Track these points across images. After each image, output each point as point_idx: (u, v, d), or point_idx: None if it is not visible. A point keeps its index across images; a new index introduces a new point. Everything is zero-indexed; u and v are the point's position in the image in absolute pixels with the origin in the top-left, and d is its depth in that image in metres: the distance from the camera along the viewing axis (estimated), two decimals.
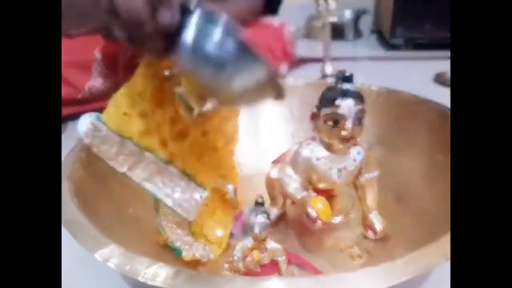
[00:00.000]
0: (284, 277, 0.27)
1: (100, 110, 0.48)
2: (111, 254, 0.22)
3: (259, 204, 0.27)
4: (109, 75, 0.64)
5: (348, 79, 0.28)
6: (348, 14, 1.06)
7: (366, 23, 1.13)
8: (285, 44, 0.66)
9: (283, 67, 0.66)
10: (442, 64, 0.83)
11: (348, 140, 0.29)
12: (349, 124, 0.27)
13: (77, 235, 0.23)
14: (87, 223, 0.24)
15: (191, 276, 0.20)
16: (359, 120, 0.28)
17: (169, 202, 0.30)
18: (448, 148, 0.33)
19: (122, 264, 0.21)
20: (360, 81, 0.89)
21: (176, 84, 0.28)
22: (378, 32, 1.09)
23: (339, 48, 1.04)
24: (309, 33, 1.13)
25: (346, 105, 0.27)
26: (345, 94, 0.27)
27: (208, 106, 0.29)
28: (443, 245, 0.21)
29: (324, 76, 0.61)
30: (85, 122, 0.31)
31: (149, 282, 0.20)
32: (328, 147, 0.30)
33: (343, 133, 0.28)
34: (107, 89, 0.65)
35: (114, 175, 0.31)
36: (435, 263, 0.21)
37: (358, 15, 1.09)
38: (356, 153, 0.30)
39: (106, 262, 0.22)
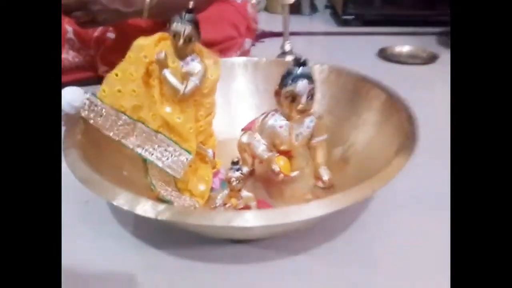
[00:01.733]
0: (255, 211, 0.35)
1: (74, 82, 0.53)
2: (125, 200, 0.28)
3: (235, 163, 0.35)
4: (81, 48, 0.66)
5: (303, 63, 0.36)
6: None
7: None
8: (248, 20, 0.71)
9: (247, 43, 0.72)
10: (386, 39, 0.93)
11: (303, 112, 0.37)
12: (304, 99, 0.35)
13: (95, 189, 0.29)
14: (100, 179, 0.31)
15: (192, 212, 0.27)
16: (311, 96, 0.36)
17: (159, 164, 0.36)
18: (384, 115, 0.42)
19: (134, 206, 0.28)
20: (315, 54, 0.98)
21: (163, 67, 0.34)
22: (332, 7, 1.16)
23: (296, 22, 1.10)
24: (268, 6, 1.17)
25: (301, 85, 0.35)
26: (300, 76, 0.35)
27: (191, 86, 0.35)
28: (367, 185, 0.30)
29: (283, 53, 0.68)
30: (70, 95, 0.37)
31: (159, 217, 0.27)
32: (288, 117, 0.38)
33: (299, 106, 0.36)
34: (79, 62, 0.66)
35: (109, 143, 0.37)
36: (360, 197, 0.30)
37: None
38: (309, 122, 0.39)
39: (122, 206, 0.28)
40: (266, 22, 1.02)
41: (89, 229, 0.38)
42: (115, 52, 0.65)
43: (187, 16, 0.33)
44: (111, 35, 0.67)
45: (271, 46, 0.81)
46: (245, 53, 0.72)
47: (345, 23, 1.03)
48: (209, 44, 0.66)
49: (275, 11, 1.13)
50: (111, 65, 0.70)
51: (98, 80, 0.67)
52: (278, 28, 0.91)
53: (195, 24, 0.33)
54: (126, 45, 0.75)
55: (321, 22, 1.12)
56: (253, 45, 0.81)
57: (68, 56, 0.65)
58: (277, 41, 0.77)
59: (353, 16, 1.01)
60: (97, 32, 0.66)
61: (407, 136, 0.35)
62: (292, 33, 0.95)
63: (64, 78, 0.65)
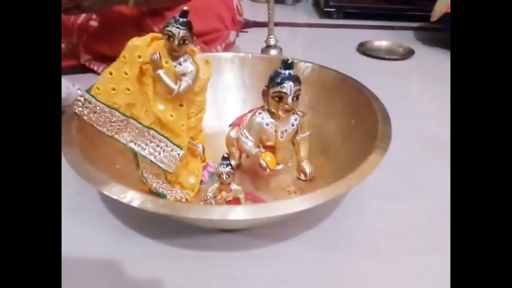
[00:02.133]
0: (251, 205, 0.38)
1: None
2: (122, 194, 0.30)
3: (225, 158, 0.37)
4: (63, 36, 0.65)
5: (290, 66, 0.38)
6: None
7: None
8: (233, 12, 0.72)
9: (232, 35, 0.73)
10: (366, 33, 0.96)
11: (289, 111, 0.39)
12: (289, 100, 0.38)
13: (96, 184, 0.31)
14: (98, 173, 0.32)
15: (183, 205, 0.30)
16: (297, 97, 0.39)
17: (152, 158, 0.38)
18: (361, 114, 0.46)
19: (132, 200, 0.30)
20: (297, 46, 1.00)
21: (157, 67, 0.36)
22: None
23: (280, 12, 1.11)
24: None
25: (288, 86, 0.37)
26: (287, 77, 0.37)
27: (184, 85, 0.37)
28: (343, 183, 0.33)
29: (268, 46, 0.69)
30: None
31: (160, 212, 0.29)
32: (274, 115, 0.40)
33: (285, 106, 0.38)
34: (62, 50, 0.66)
35: (103, 137, 0.38)
36: (340, 192, 0.33)
37: None
38: (293, 120, 0.42)
39: (122, 199, 0.30)
40: (250, 10, 1.02)
41: (81, 220, 0.39)
42: (98, 41, 0.66)
43: (182, 19, 0.34)
44: (94, 23, 0.66)
45: (255, 37, 0.82)
46: (230, 45, 0.73)
47: (327, 15, 1.05)
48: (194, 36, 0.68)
49: (259, 0, 1.14)
50: (94, 54, 0.70)
51: (81, 69, 0.68)
52: (261, 17, 0.92)
53: (189, 27, 0.35)
54: (110, 33, 0.75)
55: (304, 12, 1.13)
56: (237, 36, 0.82)
57: None
58: (261, 31, 0.78)
59: (334, 9, 1.03)
60: (79, 19, 0.65)
61: (382, 134, 0.38)
62: (275, 24, 0.97)
63: None
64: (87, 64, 0.68)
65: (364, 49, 0.85)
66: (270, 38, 0.69)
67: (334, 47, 0.89)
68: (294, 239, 0.39)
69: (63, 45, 0.65)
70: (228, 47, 0.73)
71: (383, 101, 0.45)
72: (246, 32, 0.95)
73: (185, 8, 0.34)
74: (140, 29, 0.63)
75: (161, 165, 0.38)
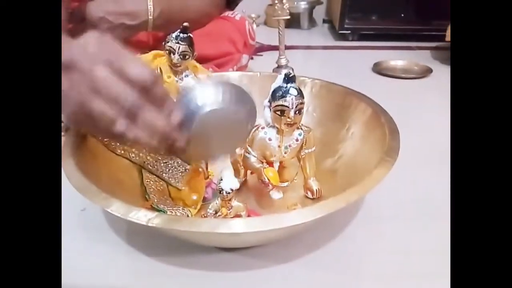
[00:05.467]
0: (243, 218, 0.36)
1: None
2: (118, 209, 0.30)
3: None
4: None
5: (292, 79, 0.38)
6: (303, 4, 1.15)
7: (320, 13, 1.23)
8: (246, 37, 0.74)
9: (244, 58, 0.74)
10: (381, 53, 0.95)
11: (292, 125, 0.38)
12: (292, 113, 0.37)
13: (92, 198, 0.31)
14: (96, 189, 0.32)
15: (181, 220, 0.29)
16: (299, 110, 0.38)
17: (165, 177, 0.38)
18: (369, 128, 0.44)
19: (127, 213, 0.29)
20: (312, 67, 1.01)
21: None
22: (329, 22, 1.19)
23: (295, 35, 1.13)
24: (268, 20, 1.21)
25: (290, 100, 0.37)
26: (289, 91, 0.37)
27: None
28: (347, 196, 0.31)
29: (279, 66, 0.70)
30: None
31: (149, 224, 0.28)
32: (277, 130, 0.40)
33: (288, 120, 0.37)
34: None
35: (105, 152, 0.38)
36: (341, 206, 0.31)
37: (312, 6, 1.18)
38: (297, 134, 0.41)
39: (116, 213, 0.30)
40: (266, 35, 1.05)
41: (84, 236, 0.39)
42: None
43: (182, 34, 0.35)
44: None
45: (268, 60, 0.84)
46: (242, 68, 0.74)
47: (342, 37, 1.06)
48: (207, 59, 0.70)
49: (274, 25, 1.16)
50: None
51: None
52: (276, 41, 0.94)
53: (190, 42, 0.36)
54: None
55: (319, 35, 1.15)
56: (251, 58, 0.83)
57: None
58: (275, 54, 0.80)
59: (349, 31, 1.04)
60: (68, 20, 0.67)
61: (389, 148, 0.36)
62: (291, 47, 0.98)
63: None
64: None
65: (379, 69, 0.84)
66: (281, 58, 0.70)
67: (349, 68, 0.88)
68: (297, 260, 0.36)
69: None
70: (241, 69, 0.74)
71: (397, 118, 0.43)
72: (261, 55, 0.97)
73: (185, 24, 0.35)
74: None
75: (171, 181, 0.38)
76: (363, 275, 0.35)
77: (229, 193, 0.36)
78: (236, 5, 0.80)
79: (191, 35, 0.35)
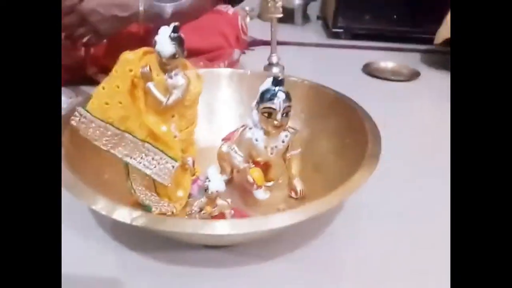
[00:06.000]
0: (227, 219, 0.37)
1: (62, 83, 0.54)
2: (104, 206, 0.31)
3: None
4: (71, 50, 0.67)
5: (280, 82, 0.38)
6: (298, 0, 1.14)
7: (314, 9, 1.23)
8: (238, 31, 0.74)
9: (236, 53, 0.74)
10: (372, 54, 0.96)
11: (279, 127, 0.39)
12: (279, 116, 0.38)
13: (77, 195, 0.32)
14: (82, 186, 0.33)
15: (164, 220, 0.30)
16: (286, 113, 0.38)
17: (148, 172, 0.38)
18: (354, 132, 0.45)
19: (111, 212, 0.30)
20: (303, 65, 1.01)
21: (148, 80, 0.36)
22: (323, 19, 1.19)
23: (289, 31, 1.13)
24: (262, 14, 1.20)
25: (277, 103, 0.37)
26: (277, 94, 0.38)
27: (173, 98, 0.37)
28: (330, 199, 0.32)
29: (270, 64, 0.70)
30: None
31: (134, 223, 0.29)
32: (264, 131, 0.40)
33: (275, 122, 0.38)
34: (70, 63, 0.68)
35: (92, 147, 0.38)
36: (324, 209, 0.32)
37: (307, 2, 1.18)
38: (284, 136, 0.41)
39: (101, 211, 0.30)
40: (259, 30, 1.04)
41: (71, 231, 0.40)
42: (105, 54, 0.68)
43: (172, 34, 0.35)
44: None
45: (261, 55, 0.83)
46: (234, 63, 0.74)
47: (335, 35, 1.06)
48: (198, 53, 0.70)
49: (268, 19, 1.16)
50: (101, 67, 0.72)
51: (86, 81, 0.70)
52: (270, 36, 0.94)
53: (180, 42, 0.36)
54: (116, 47, 0.77)
55: (312, 32, 1.15)
56: (243, 53, 0.83)
57: None
58: (267, 49, 0.79)
59: (342, 29, 1.04)
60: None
61: (370, 153, 0.38)
62: (283, 43, 0.98)
63: None
64: (93, 76, 0.70)
65: (369, 70, 0.85)
66: (273, 56, 0.70)
67: (339, 67, 0.89)
68: (280, 258, 0.38)
69: (70, 58, 0.68)
70: (232, 64, 0.74)
71: (383, 121, 0.44)
72: (253, 50, 0.97)
73: (176, 23, 0.35)
74: (146, 45, 0.65)
75: (156, 177, 0.38)
76: (345, 273, 0.36)
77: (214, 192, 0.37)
78: (240, 2, 0.79)
79: (181, 35, 0.35)
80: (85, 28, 0.58)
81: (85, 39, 0.61)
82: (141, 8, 0.60)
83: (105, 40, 0.68)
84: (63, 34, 0.61)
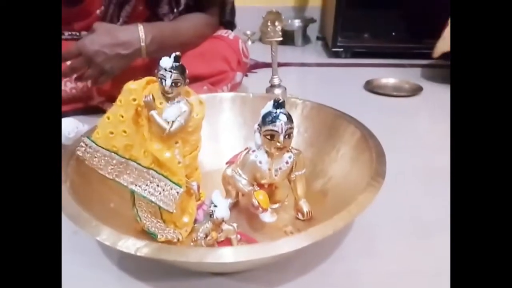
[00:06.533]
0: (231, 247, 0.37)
1: (70, 112, 0.56)
2: (108, 237, 0.30)
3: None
4: (78, 80, 0.69)
5: (281, 105, 0.38)
6: (297, 22, 1.17)
7: (313, 30, 1.26)
8: (239, 55, 0.75)
9: (238, 76, 0.75)
10: (373, 71, 0.97)
11: (282, 149, 0.39)
12: (281, 138, 0.38)
13: (82, 226, 0.32)
14: (87, 216, 0.33)
15: (169, 249, 0.29)
16: (289, 135, 0.39)
17: (153, 199, 0.38)
18: (358, 151, 0.45)
19: (116, 242, 0.30)
20: (305, 85, 1.02)
21: (151, 108, 0.37)
22: (323, 39, 1.21)
23: (290, 52, 1.15)
24: (262, 37, 1.23)
25: (279, 125, 0.38)
26: (278, 117, 0.38)
27: (176, 125, 0.37)
28: (334, 222, 0.32)
29: (272, 86, 0.71)
30: (65, 127, 0.39)
31: (138, 253, 0.29)
32: (268, 153, 0.40)
33: (277, 144, 0.38)
34: (76, 93, 0.70)
35: (98, 175, 0.39)
36: (329, 233, 0.31)
37: (306, 24, 1.20)
38: (288, 157, 0.41)
39: (105, 242, 0.30)
40: (260, 52, 1.06)
41: (76, 259, 0.39)
42: (111, 84, 0.69)
43: (174, 63, 0.36)
44: None
45: (263, 77, 0.85)
46: (236, 86, 0.76)
47: (335, 54, 1.08)
48: (201, 78, 0.71)
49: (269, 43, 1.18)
50: (107, 96, 0.74)
51: (93, 110, 0.71)
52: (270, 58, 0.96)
53: (181, 70, 0.36)
54: (122, 77, 0.80)
55: (313, 53, 1.17)
56: (245, 75, 0.85)
57: (65, 88, 0.69)
58: (269, 71, 0.80)
59: (342, 49, 1.06)
60: None
61: (375, 173, 0.37)
62: (284, 64, 1.00)
63: (64, 108, 0.68)
64: (100, 105, 0.72)
65: (371, 87, 0.85)
66: (274, 78, 0.71)
67: (341, 85, 0.90)
68: (288, 283, 0.37)
69: (77, 89, 0.70)
70: (235, 87, 0.75)
71: (387, 137, 0.44)
72: (256, 72, 0.98)
73: (177, 53, 0.36)
74: (150, 74, 0.67)
75: (161, 205, 0.38)
76: None
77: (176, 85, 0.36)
78: (235, 26, 0.81)
79: (183, 64, 0.36)
80: (92, 69, 0.61)
81: (94, 81, 0.64)
82: (142, 44, 0.62)
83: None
84: (73, 76, 0.64)
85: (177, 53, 0.36)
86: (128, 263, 0.39)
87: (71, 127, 0.54)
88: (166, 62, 0.36)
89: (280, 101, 0.39)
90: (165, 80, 0.36)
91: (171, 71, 0.36)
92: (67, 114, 0.64)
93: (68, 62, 0.62)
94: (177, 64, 0.36)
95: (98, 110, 0.71)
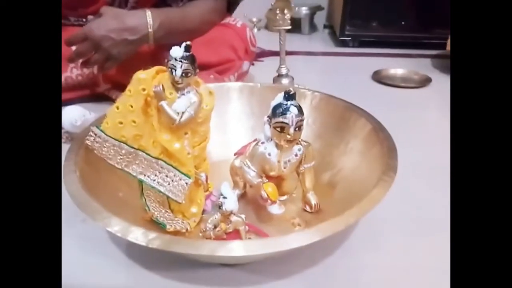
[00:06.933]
0: (242, 240, 0.37)
1: (76, 100, 0.56)
2: (119, 229, 0.31)
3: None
4: (84, 66, 0.69)
5: (292, 97, 0.38)
6: (304, 9, 1.15)
7: (321, 18, 1.23)
8: (247, 43, 0.74)
9: (245, 65, 0.74)
10: (381, 61, 0.96)
11: (291, 141, 0.39)
12: (291, 130, 0.37)
13: (92, 216, 0.32)
14: (98, 206, 0.33)
15: (180, 241, 0.29)
16: (299, 127, 0.38)
17: (162, 189, 0.38)
18: (368, 144, 0.45)
19: (127, 234, 0.30)
20: (312, 74, 1.01)
21: (161, 99, 0.37)
22: (330, 27, 1.19)
23: (296, 41, 1.13)
24: (269, 25, 1.21)
25: (289, 117, 0.37)
26: (289, 109, 0.37)
27: (186, 116, 0.37)
28: (346, 218, 0.32)
29: (279, 75, 0.70)
30: (71, 115, 0.38)
31: (150, 245, 0.29)
32: (277, 145, 0.40)
33: (287, 136, 0.38)
34: (82, 80, 0.69)
35: (106, 165, 0.39)
36: (341, 228, 0.31)
37: (314, 11, 1.18)
38: (297, 150, 0.41)
39: (116, 233, 0.30)
40: (267, 40, 1.05)
41: (84, 247, 0.40)
42: (117, 71, 0.69)
43: (184, 53, 0.35)
44: None
45: (269, 66, 0.84)
46: (243, 75, 0.75)
47: (343, 43, 1.06)
48: (208, 66, 0.70)
49: (276, 30, 1.16)
50: (113, 83, 0.73)
51: (99, 97, 0.71)
52: (277, 46, 0.94)
53: (192, 60, 0.36)
54: (128, 64, 0.79)
55: (320, 41, 1.15)
56: (252, 64, 0.84)
57: (71, 74, 0.68)
58: (276, 60, 0.79)
59: (350, 37, 1.04)
60: None
61: (387, 167, 0.37)
62: (291, 52, 0.98)
63: (67, 96, 0.67)
64: (106, 92, 0.71)
65: (379, 77, 0.84)
66: (282, 67, 0.70)
67: (348, 75, 0.89)
68: (296, 275, 0.37)
69: (83, 76, 0.69)
70: (242, 76, 0.75)
71: (395, 129, 0.44)
72: (262, 61, 0.97)
73: (188, 42, 0.35)
74: (157, 60, 0.66)
75: (170, 195, 0.38)
76: None
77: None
78: (235, 8, 0.80)
79: (193, 54, 0.36)
80: (99, 54, 0.60)
81: (100, 66, 0.64)
82: (150, 30, 0.61)
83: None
84: (79, 62, 0.63)
85: (188, 42, 0.35)
86: (137, 252, 0.39)
87: (78, 115, 0.54)
88: (177, 51, 0.35)
89: (291, 93, 0.38)
90: (176, 70, 0.35)
91: (181, 61, 0.35)
92: (73, 101, 0.64)
93: (74, 47, 0.61)
94: (188, 54, 0.35)
95: (105, 98, 0.71)
